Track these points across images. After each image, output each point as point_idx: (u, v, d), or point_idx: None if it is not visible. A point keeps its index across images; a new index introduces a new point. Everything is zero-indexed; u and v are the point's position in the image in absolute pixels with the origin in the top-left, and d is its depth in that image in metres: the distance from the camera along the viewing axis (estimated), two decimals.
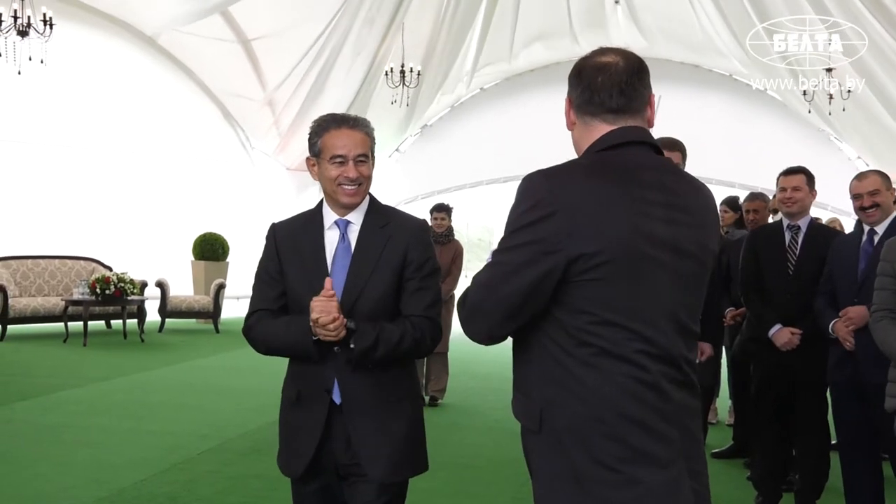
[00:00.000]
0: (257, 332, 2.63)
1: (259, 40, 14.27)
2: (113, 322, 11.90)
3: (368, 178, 2.63)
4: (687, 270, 1.92)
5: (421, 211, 13.40)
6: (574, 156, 2.06)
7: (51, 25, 10.45)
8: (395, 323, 2.53)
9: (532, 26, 15.75)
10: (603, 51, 2.01)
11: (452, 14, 14.57)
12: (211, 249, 13.78)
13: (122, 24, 13.89)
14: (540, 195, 1.84)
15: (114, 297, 10.74)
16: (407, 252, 2.59)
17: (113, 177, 13.80)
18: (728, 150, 15.72)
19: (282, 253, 2.66)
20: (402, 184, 17.16)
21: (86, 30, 13.15)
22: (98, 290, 10.65)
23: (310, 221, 2.70)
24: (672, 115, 15.10)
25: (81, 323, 10.63)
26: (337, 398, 2.55)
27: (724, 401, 7.08)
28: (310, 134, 2.66)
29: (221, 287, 12.81)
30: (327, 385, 2.54)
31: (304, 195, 16.25)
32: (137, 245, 13.34)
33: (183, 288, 13.37)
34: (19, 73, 10.70)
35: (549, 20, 15.61)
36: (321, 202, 2.72)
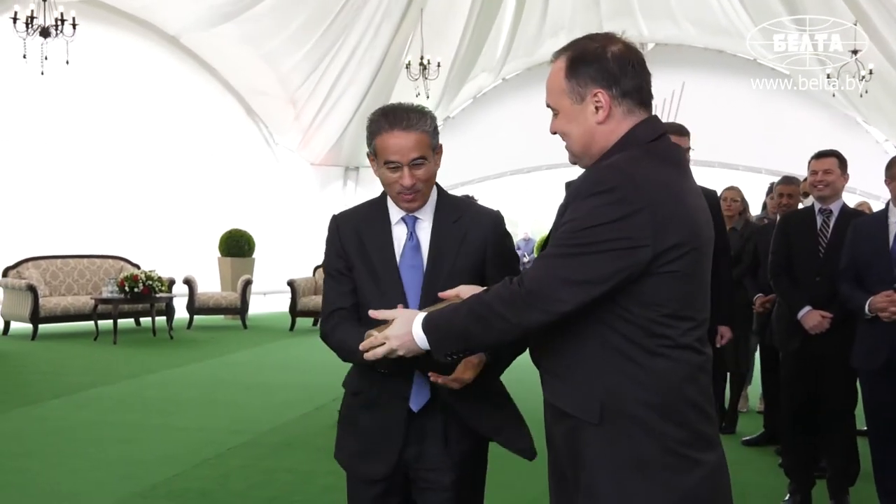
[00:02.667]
0: (333, 341, 2.46)
1: (275, 38, 14.27)
2: (142, 320, 11.99)
3: (429, 181, 2.42)
4: (709, 256, 1.99)
5: None
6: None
7: (74, 26, 10.52)
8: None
9: (562, 15, 15.66)
10: (613, 37, 1.99)
11: (476, 4, 14.53)
12: (237, 246, 13.84)
13: (146, 25, 13.95)
14: (624, 191, 1.81)
15: (142, 294, 10.82)
16: (486, 248, 2.45)
17: (139, 175, 13.90)
18: (753, 135, 15.58)
19: (347, 248, 2.49)
20: None
21: (109, 30, 13.22)
22: (127, 289, 10.74)
23: (374, 214, 2.52)
24: (697, 100, 15.11)
25: (111, 321, 10.73)
26: (414, 405, 2.42)
27: (755, 388, 7.03)
28: (367, 128, 2.46)
29: (248, 283, 12.86)
30: (403, 392, 2.41)
31: (327, 189, 16.30)
32: (164, 243, 13.43)
33: (210, 285, 13.44)
34: (42, 73, 10.78)
35: (579, 9, 15.51)
36: (384, 193, 2.53)
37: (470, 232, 2.44)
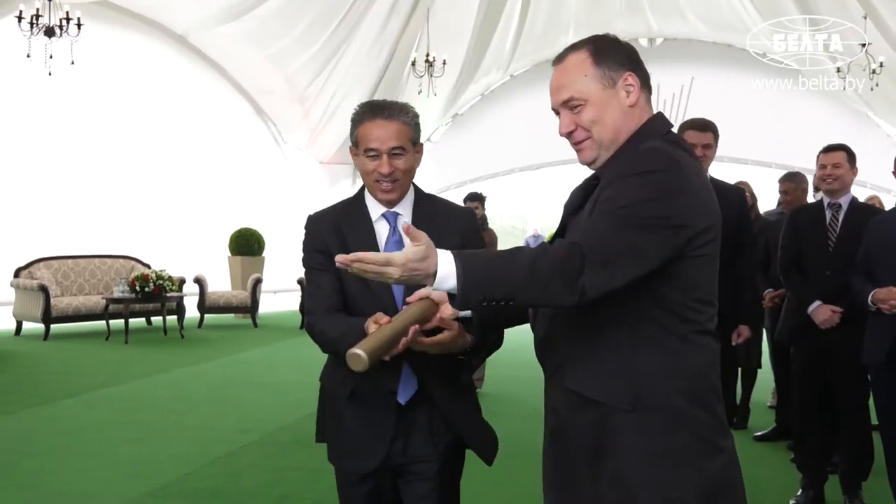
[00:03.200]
0: (316, 335, 2.46)
1: (283, 38, 14.29)
2: (153, 319, 12.04)
3: (407, 172, 2.47)
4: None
5: (454, 200, 13.38)
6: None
7: (78, 25, 10.54)
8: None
9: (570, 11, 15.63)
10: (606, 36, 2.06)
11: (484, 2, 14.52)
12: (247, 244, 13.88)
13: (153, 24, 13.99)
14: (671, 174, 1.85)
15: (153, 294, 10.86)
16: (464, 244, 2.44)
17: (149, 175, 13.96)
18: (763, 129, 15.52)
19: (329, 244, 2.48)
20: (434, 173, 17.14)
21: (115, 29, 13.27)
22: (137, 288, 10.78)
23: (353, 212, 2.54)
24: (706, 95, 15.05)
25: (122, 320, 10.77)
26: (402, 398, 2.43)
27: (765, 382, 7.00)
28: (350, 120, 2.52)
29: (258, 282, 12.90)
30: (391, 385, 2.42)
31: (336, 188, 16.30)
32: (175, 242, 13.50)
33: (220, 284, 13.49)
34: (50, 73, 10.81)
35: (586, 5, 15.47)
36: (362, 190, 2.57)
37: (448, 228, 2.47)
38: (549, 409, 2.05)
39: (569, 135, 2.02)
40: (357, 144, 2.48)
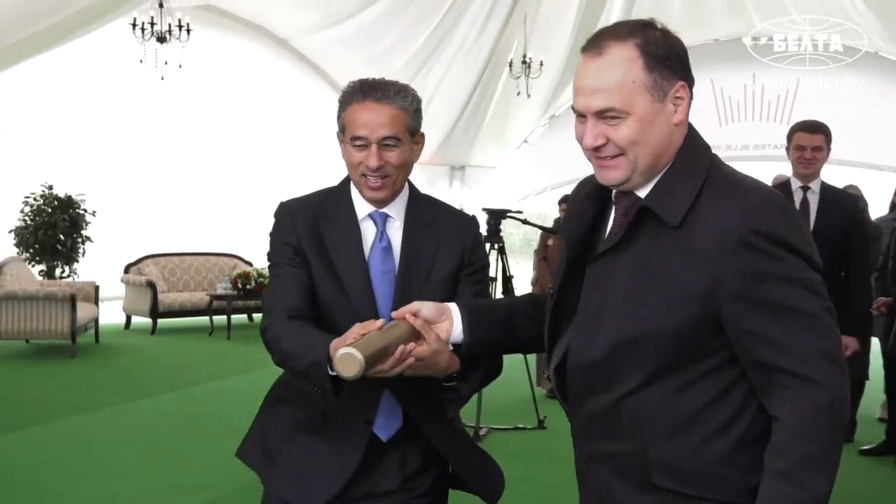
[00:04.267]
0: (269, 341, 2.06)
1: (381, 42, 14.47)
2: (255, 315, 12.35)
3: (401, 167, 2.04)
4: None
5: (550, 202, 13.32)
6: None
7: (188, 31, 10.90)
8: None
9: (670, 11, 15.35)
10: (656, 23, 1.66)
11: (583, 3, 14.39)
12: None
13: (258, 28, 14.36)
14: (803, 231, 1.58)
15: (254, 291, 11.11)
16: (465, 256, 2.11)
17: (252, 175, 14.31)
18: (874, 131, 14.93)
19: (302, 240, 2.09)
20: (531, 175, 17.07)
21: (222, 33, 13.67)
22: (239, 286, 11.07)
23: (336, 206, 2.14)
24: (813, 95, 14.56)
25: (225, 317, 11.08)
26: (383, 434, 2.05)
27: (877, 395, 6.73)
28: (338, 100, 2.10)
29: None
30: (368, 414, 2.03)
31: (433, 189, 16.32)
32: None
33: None
34: (162, 78, 11.20)
35: (690, 5, 15.16)
36: (346, 181, 2.17)
37: (447, 235, 2.11)
38: (590, 489, 1.72)
39: (595, 148, 1.62)
40: (343, 130, 2.08)
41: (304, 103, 15.09)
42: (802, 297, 1.49)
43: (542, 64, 14.24)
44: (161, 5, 10.64)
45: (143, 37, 10.75)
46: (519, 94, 14.15)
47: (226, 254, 12.98)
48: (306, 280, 2.06)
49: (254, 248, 13.17)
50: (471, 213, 2.29)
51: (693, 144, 1.62)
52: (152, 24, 10.67)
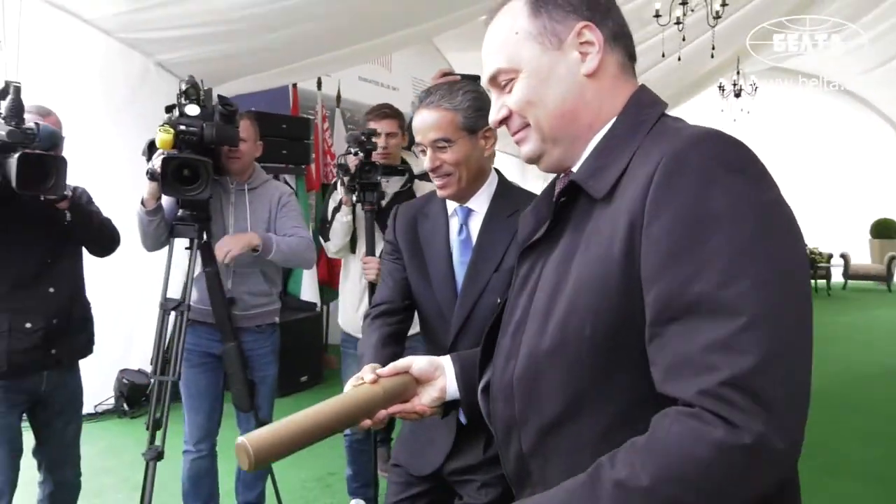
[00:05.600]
0: (363, 337, 2.10)
1: None
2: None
3: (460, 164, 2.05)
4: None
5: None
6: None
7: (755, 87, 15.29)
8: None
9: None
10: None
11: None
12: (885, 229, 17.66)
13: (811, 76, 16.68)
14: (762, 166, 1.16)
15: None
16: None
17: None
18: None
19: (399, 240, 2.22)
20: None
21: (784, 85, 16.87)
22: None
23: (434, 205, 2.22)
24: None
25: None
26: (462, 417, 2.09)
27: None
28: None
29: (893, 258, 16.28)
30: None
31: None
32: (824, 227, 16.71)
33: (861, 258, 17.28)
34: (734, 120, 15.56)
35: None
36: None
37: None
38: None
39: (503, 123, 1.31)
40: None
41: (845, 129, 18.07)
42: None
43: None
44: (738, 72, 15.13)
45: (722, 94, 15.66)
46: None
47: None
48: (400, 274, 2.20)
49: (805, 230, 17.13)
50: None
51: (638, 104, 1.25)
52: (734, 85, 15.06)
